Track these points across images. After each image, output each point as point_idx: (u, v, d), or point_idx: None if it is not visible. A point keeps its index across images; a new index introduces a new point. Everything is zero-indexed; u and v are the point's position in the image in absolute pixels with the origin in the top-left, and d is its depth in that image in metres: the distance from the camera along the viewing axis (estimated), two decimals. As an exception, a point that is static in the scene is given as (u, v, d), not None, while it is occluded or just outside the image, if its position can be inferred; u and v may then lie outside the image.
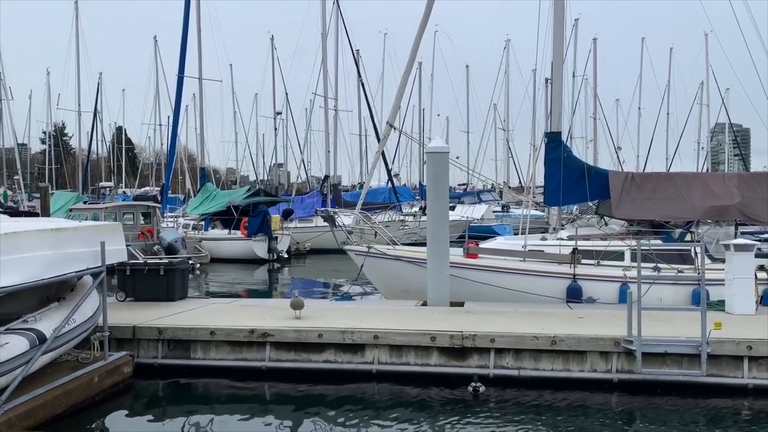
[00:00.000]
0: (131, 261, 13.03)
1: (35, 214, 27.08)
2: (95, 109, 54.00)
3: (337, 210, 18.21)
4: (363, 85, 37.36)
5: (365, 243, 13.76)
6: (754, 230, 15.15)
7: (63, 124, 72.81)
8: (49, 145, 63.95)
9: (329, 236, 15.27)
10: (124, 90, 68.62)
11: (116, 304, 11.83)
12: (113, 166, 67.50)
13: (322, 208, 23.21)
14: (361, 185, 35.42)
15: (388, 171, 36.50)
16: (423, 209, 29.00)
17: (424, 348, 9.24)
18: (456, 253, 12.89)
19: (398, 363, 9.31)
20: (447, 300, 11.92)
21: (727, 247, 11.28)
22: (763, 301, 11.71)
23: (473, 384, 8.68)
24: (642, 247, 9.70)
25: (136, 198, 41.12)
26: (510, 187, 49.41)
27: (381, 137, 18.18)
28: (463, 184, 55.08)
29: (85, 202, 28.26)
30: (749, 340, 8.72)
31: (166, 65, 53.52)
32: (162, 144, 60.14)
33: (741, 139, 72.95)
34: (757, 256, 11.60)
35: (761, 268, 12.03)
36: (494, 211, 41.53)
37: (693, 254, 12.35)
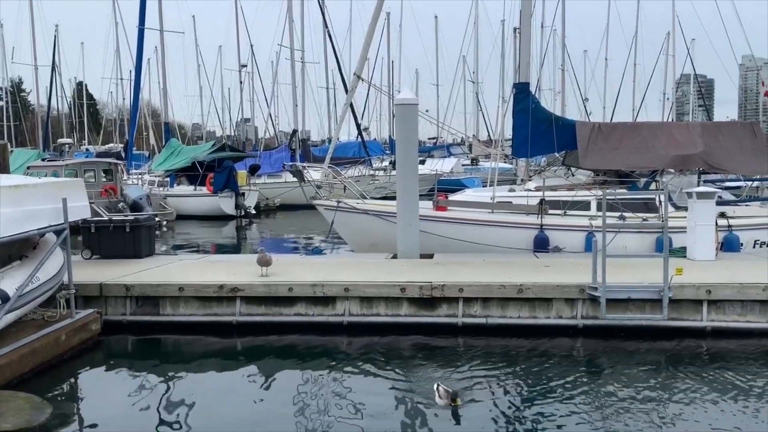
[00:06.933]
0: (96, 218, 12.80)
1: (-6, 173, 26.32)
2: (53, 63, 52.36)
3: (305, 165, 18.02)
4: (330, 36, 36.54)
5: (334, 198, 13.70)
6: (716, 179, 15.44)
7: (20, 79, 70.59)
8: (6, 102, 61.85)
9: (298, 191, 15.16)
10: (83, 44, 66.78)
11: (82, 262, 11.66)
12: (75, 122, 65.81)
13: (291, 163, 22.97)
14: (330, 140, 35.05)
15: (358, 125, 36.14)
16: (393, 163, 28.93)
17: (394, 299, 9.33)
18: (425, 206, 12.94)
19: (369, 314, 9.40)
20: (417, 252, 12.00)
21: (689, 195, 11.51)
22: (723, 247, 12.06)
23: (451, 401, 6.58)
24: (607, 197, 9.82)
25: (99, 155, 40.25)
26: (479, 141, 49.50)
27: (349, 89, 17.91)
28: (433, 138, 55.10)
29: (44, 160, 27.51)
30: (708, 284, 8.99)
31: (125, 17, 51.93)
32: (124, 99, 58.78)
33: (705, 90, 73.97)
34: (717, 203, 11.88)
35: (722, 215, 12.33)
36: (463, 165, 41.78)
37: (657, 203, 12.58)
